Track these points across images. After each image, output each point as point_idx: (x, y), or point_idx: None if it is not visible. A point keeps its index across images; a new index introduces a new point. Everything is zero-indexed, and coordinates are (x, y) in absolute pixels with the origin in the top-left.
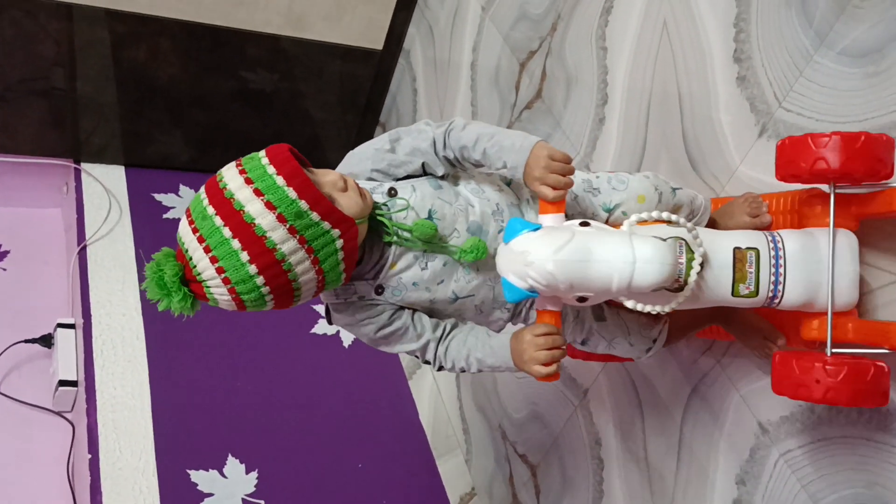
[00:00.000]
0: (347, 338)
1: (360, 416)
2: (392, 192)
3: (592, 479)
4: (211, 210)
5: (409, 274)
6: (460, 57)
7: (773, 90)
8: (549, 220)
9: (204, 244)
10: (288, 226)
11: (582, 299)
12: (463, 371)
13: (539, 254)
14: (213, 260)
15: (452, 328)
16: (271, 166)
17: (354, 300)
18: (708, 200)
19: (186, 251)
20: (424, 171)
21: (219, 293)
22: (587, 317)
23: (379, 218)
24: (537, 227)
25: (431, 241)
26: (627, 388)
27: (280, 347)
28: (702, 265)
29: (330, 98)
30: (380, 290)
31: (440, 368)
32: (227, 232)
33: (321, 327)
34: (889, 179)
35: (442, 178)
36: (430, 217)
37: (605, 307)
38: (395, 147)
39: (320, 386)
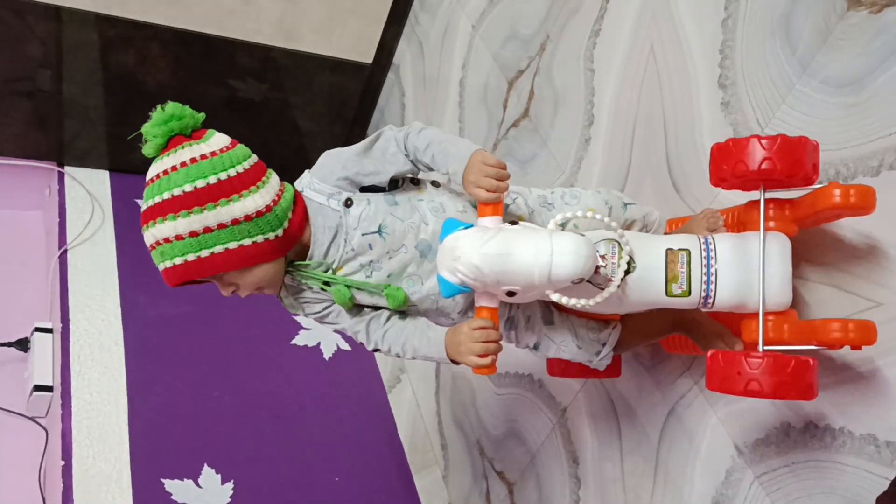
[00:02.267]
0: (328, 350)
1: (339, 429)
2: (348, 203)
3: (569, 498)
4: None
5: (353, 279)
6: (449, 73)
7: (755, 116)
8: (486, 221)
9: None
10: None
11: (511, 293)
12: (398, 356)
13: (465, 249)
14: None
15: (392, 315)
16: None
17: (304, 288)
18: (662, 217)
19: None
20: (392, 185)
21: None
22: (537, 321)
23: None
24: (469, 226)
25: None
26: (606, 407)
27: (260, 358)
28: (630, 264)
29: (318, 109)
30: (326, 286)
31: (375, 350)
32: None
33: (302, 338)
34: (814, 183)
35: (405, 188)
36: (379, 231)
37: (555, 312)
38: (367, 155)
39: (299, 397)
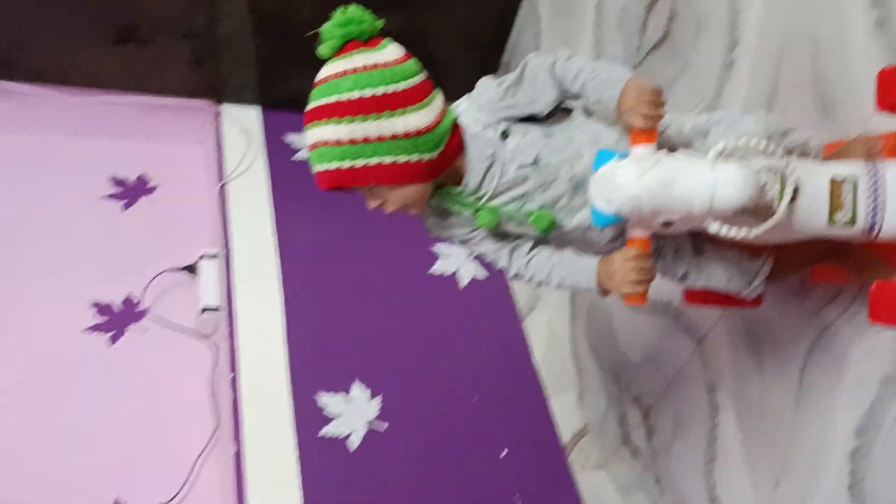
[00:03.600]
0: (463, 279)
1: (475, 353)
2: (505, 134)
3: (706, 424)
4: None
5: (505, 210)
6: None
7: None
8: (640, 150)
9: None
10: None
11: (667, 224)
12: (539, 285)
13: (623, 179)
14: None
15: (538, 244)
16: None
17: (450, 212)
18: (821, 143)
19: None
20: (544, 116)
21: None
22: (686, 251)
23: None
24: (624, 156)
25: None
26: (746, 334)
27: (402, 285)
28: (795, 193)
29: (455, 38)
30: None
31: (515, 277)
32: None
33: (438, 268)
34: None
35: (558, 119)
36: (535, 163)
37: (705, 242)
38: (520, 85)
39: (438, 322)
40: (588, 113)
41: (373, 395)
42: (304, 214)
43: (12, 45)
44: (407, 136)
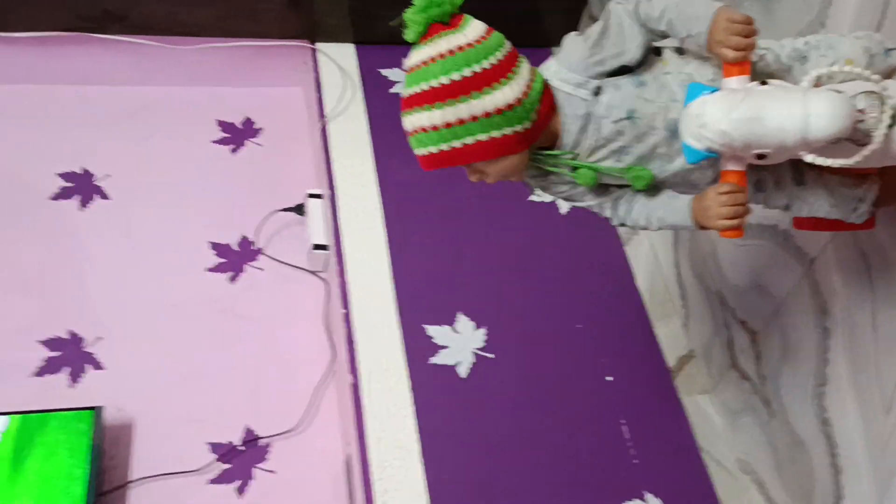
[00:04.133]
0: (564, 205)
1: (578, 280)
2: (597, 92)
3: (816, 348)
4: None
5: (603, 165)
6: None
7: None
8: (733, 82)
9: None
10: None
11: (761, 157)
12: (644, 228)
13: (712, 114)
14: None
15: (638, 192)
16: None
17: (549, 173)
18: None
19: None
20: (631, 68)
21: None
22: (787, 182)
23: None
24: (715, 90)
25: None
26: (857, 257)
27: (501, 214)
28: (893, 117)
29: None
30: (574, 169)
31: (620, 224)
32: None
33: (538, 195)
34: None
35: (649, 64)
36: (629, 117)
37: (806, 170)
38: (606, 37)
39: (539, 251)
40: (680, 52)
41: (477, 326)
42: (402, 148)
43: (121, 1)
44: (498, 111)
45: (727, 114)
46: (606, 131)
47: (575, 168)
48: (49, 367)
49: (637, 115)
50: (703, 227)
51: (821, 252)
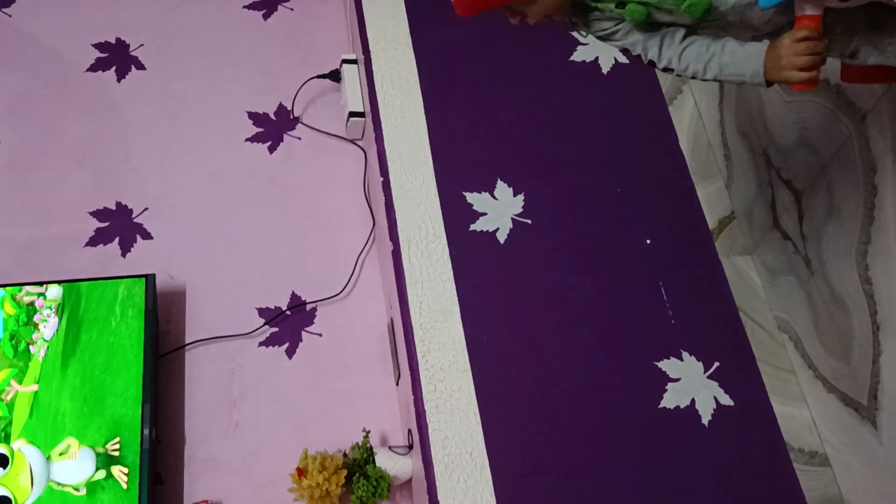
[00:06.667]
0: (606, 64)
1: (619, 142)
2: None
3: (863, 207)
4: None
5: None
6: None
7: None
8: None
9: None
10: None
11: None
12: (693, 77)
13: None
14: None
15: (691, 32)
16: None
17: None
18: None
19: None
20: None
21: None
22: (860, 27)
23: None
24: None
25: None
26: None
27: (540, 76)
28: None
29: None
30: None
31: (667, 69)
32: None
33: (580, 54)
34: None
35: None
36: None
37: (881, 14)
38: None
39: (580, 113)
40: None
41: (515, 193)
42: (436, 9)
43: None
44: None
45: None
46: None
47: (623, 3)
48: (100, 238)
49: None
50: (771, 82)
51: (875, 105)
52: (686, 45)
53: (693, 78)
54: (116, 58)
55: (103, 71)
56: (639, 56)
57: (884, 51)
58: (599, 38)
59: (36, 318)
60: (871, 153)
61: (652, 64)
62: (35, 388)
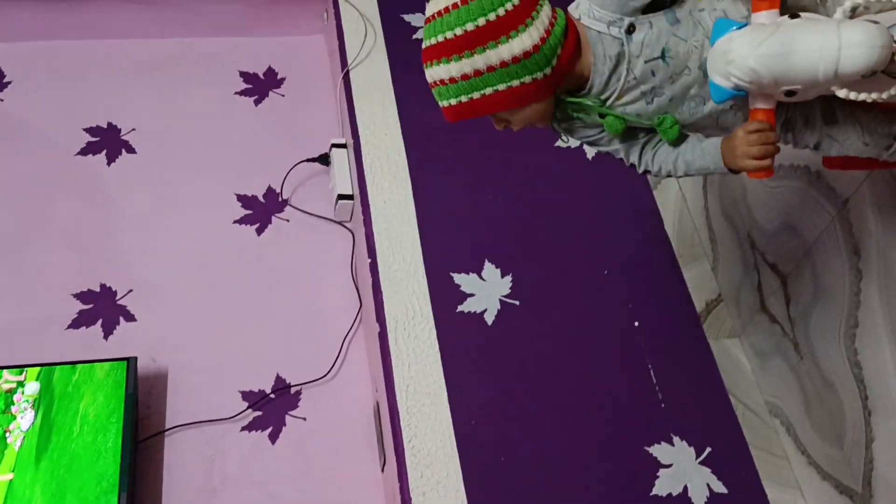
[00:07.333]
0: (591, 150)
1: (605, 226)
2: (630, 29)
3: (849, 290)
4: None
5: (633, 107)
6: None
7: None
8: (762, 17)
9: None
10: None
11: (790, 93)
12: (669, 175)
13: (740, 51)
14: None
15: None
16: None
17: (575, 118)
18: None
19: None
20: (664, 3)
21: None
22: (817, 120)
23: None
24: (743, 25)
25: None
26: (893, 197)
27: (527, 160)
28: None
29: None
30: (603, 116)
31: (645, 172)
32: None
33: (565, 140)
34: None
35: (683, 2)
36: (662, 56)
37: (837, 107)
38: None
39: (567, 196)
40: None
41: (503, 274)
42: (425, 94)
43: None
44: (515, 60)
45: (754, 49)
46: (638, 71)
47: (603, 115)
48: (83, 320)
49: (670, 55)
50: (731, 170)
51: (855, 191)
52: (657, 148)
53: (669, 176)
54: (107, 142)
55: (94, 154)
56: (621, 159)
57: (843, 143)
58: (585, 143)
59: (13, 409)
60: (855, 238)
61: (633, 167)
62: (10, 476)
